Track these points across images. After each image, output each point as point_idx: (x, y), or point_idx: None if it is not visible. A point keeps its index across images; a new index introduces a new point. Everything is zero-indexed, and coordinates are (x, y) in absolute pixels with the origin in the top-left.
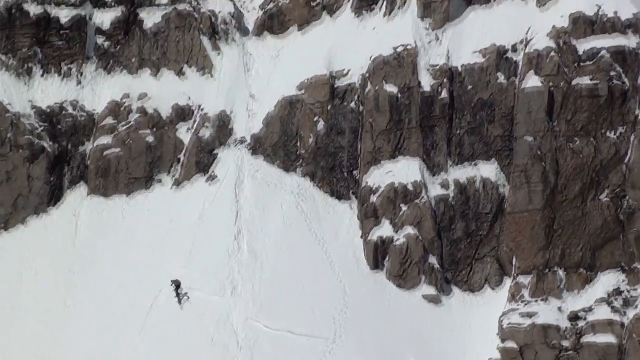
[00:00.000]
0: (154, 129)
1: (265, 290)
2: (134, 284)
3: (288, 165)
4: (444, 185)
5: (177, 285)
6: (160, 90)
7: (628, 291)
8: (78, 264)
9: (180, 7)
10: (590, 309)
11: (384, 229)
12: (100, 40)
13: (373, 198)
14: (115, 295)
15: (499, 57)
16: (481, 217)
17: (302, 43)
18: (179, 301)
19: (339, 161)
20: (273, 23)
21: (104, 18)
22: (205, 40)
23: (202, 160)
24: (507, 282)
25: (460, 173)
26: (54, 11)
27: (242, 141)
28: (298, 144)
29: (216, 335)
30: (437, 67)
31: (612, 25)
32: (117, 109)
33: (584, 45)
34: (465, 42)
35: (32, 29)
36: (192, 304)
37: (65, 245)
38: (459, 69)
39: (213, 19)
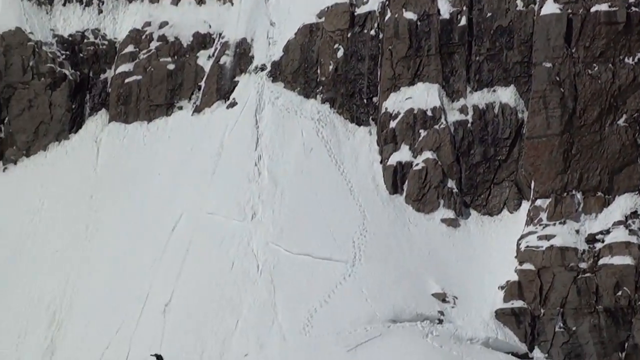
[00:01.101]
0: (175, 57)
1: (286, 215)
2: (155, 209)
3: (308, 91)
4: (463, 110)
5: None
6: (180, 18)
7: None
8: (99, 189)
9: None
10: (607, 232)
11: (403, 154)
12: None
13: (392, 124)
14: (136, 221)
15: None
16: (500, 142)
17: None
18: None
19: (358, 88)
20: None
21: None
22: None
23: (223, 87)
24: (525, 206)
25: (479, 99)
26: None
27: (262, 68)
28: (318, 70)
29: (236, 260)
30: None
31: None
32: (138, 37)
33: None
34: None
35: None
36: (213, 230)
37: (87, 171)
38: None
39: None
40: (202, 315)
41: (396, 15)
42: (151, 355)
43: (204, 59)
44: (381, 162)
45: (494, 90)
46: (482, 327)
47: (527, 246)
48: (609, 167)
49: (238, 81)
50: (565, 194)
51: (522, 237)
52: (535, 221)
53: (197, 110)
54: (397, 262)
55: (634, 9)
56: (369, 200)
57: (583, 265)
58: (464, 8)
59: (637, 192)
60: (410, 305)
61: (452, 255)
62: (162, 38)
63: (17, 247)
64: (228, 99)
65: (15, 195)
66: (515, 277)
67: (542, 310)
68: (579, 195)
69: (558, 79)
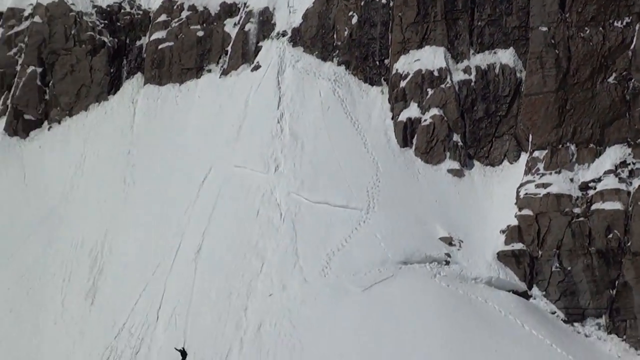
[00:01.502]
0: (204, 25)
1: (306, 167)
2: (187, 162)
3: (325, 55)
4: (467, 71)
5: (183, 354)
6: None
7: (633, 163)
8: (136, 145)
9: None
10: (599, 180)
11: (412, 111)
12: None
13: (402, 83)
14: (170, 173)
15: None
16: (500, 99)
17: None
18: None
19: (371, 51)
20: None
21: None
22: None
23: (247, 52)
24: (524, 157)
25: (481, 60)
26: None
27: (283, 34)
28: (334, 36)
29: (261, 208)
30: None
31: None
32: (170, 7)
33: None
34: None
35: None
36: (240, 181)
37: (124, 129)
38: None
39: None
40: (230, 259)
41: None
42: (175, 349)
43: (230, 27)
44: (392, 119)
45: (495, 52)
46: (485, 267)
47: (526, 193)
48: (600, 121)
49: (261, 46)
50: (560, 145)
51: (521, 185)
52: (533, 171)
53: (225, 73)
54: (407, 209)
55: None
56: (382, 153)
57: (577, 210)
58: None
59: (626, 144)
60: (420, 248)
61: (457, 203)
62: (192, 7)
63: (63, 199)
64: (252, 63)
65: (60, 151)
66: (515, 222)
67: (540, 252)
68: (572, 147)
69: (553, 41)
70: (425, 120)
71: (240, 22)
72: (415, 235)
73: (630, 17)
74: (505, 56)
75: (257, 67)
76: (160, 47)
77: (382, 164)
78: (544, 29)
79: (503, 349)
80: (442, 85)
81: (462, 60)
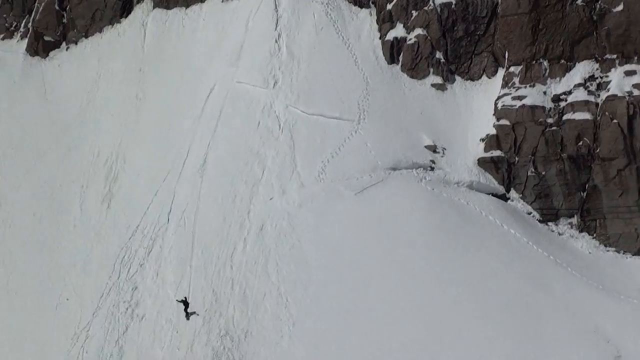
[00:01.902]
0: None
1: (302, 83)
2: (194, 79)
3: None
4: None
5: (185, 304)
6: None
7: (601, 77)
8: (146, 64)
9: None
10: (570, 92)
11: (398, 31)
12: None
13: (389, 6)
14: (178, 90)
15: None
16: (479, 20)
17: None
18: (187, 317)
19: None
20: None
21: None
22: None
23: None
24: (501, 72)
25: None
26: None
27: None
28: None
29: (262, 120)
30: None
31: None
32: None
33: None
34: None
35: None
36: (242, 96)
37: (136, 49)
38: None
39: None
40: (234, 166)
41: None
42: (177, 300)
43: None
44: (380, 38)
45: None
46: (467, 172)
47: (503, 105)
48: (570, 39)
49: None
50: (534, 62)
51: (499, 98)
52: (510, 84)
53: None
54: (395, 120)
55: None
56: (371, 69)
57: (550, 120)
58: None
59: (594, 60)
60: (407, 155)
61: (441, 114)
62: None
63: (80, 113)
64: None
65: (76, 69)
66: (493, 131)
67: (517, 158)
68: (545, 63)
69: None
70: (410, 39)
71: None
72: (402, 143)
73: None
74: None
75: None
76: None
77: (371, 79)
78: None
79: (484, 246)
80: (425, 8)
81: None
